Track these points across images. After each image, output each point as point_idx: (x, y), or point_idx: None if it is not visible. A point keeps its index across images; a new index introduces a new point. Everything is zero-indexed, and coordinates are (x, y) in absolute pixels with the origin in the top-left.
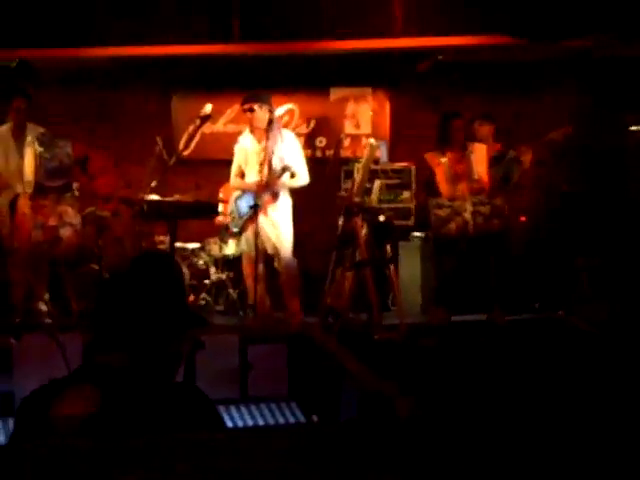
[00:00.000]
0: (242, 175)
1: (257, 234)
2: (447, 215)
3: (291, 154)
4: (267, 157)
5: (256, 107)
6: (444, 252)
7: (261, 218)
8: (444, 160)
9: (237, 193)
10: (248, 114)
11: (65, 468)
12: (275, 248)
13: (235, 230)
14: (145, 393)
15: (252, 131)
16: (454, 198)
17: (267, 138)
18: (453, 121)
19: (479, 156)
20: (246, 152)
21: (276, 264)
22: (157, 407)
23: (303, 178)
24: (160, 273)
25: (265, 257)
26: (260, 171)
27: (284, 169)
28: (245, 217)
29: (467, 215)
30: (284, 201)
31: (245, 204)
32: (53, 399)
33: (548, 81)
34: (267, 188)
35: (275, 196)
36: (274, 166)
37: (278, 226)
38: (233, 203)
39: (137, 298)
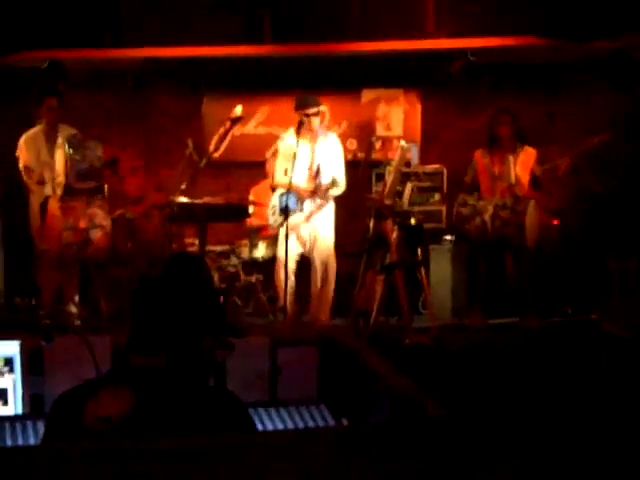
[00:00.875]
0: (285, 173)
1: (287, 236)
2: (469, 213)
3: (335, 158)
4: (316, 161)
5: (317, 111)
6: (474, 255)
7: (304, 221)
8: (487, 160)
9: (281, 190)
10: (305, 118)
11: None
12: (314, 252)
13: (273, 225)
14: (179, 396)
15: (299, 132)
16: (481, 198)
17: (315, 140)
18: (498, 118)
19: (524, 159)
20: (290, 150)
21: (311, 269)
22: (190, 410)
23: (342, 186)
24: (193, 275)
25: (298, 261)
26: (309, 175)
27: (334, 182)
28: (285, 216)
29: (486, 217)
30: (328, 207)
31: (290, 203)
32: (87, 400)
33: (580, 82)
34: (314, 195)
35: (322, 202)
36: (321, 170)
37: (321, 230)
38: (277, 199)
39: (172, 300)
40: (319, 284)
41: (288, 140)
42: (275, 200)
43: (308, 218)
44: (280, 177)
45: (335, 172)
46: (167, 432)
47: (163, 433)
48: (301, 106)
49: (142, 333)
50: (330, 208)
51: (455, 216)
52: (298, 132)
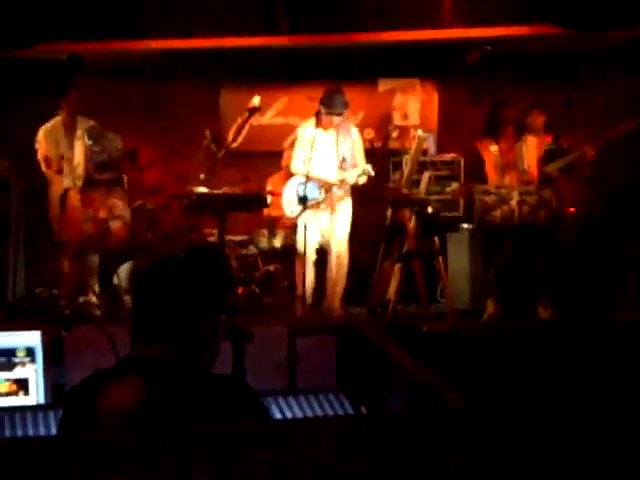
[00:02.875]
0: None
1: (306, 225)
2: (493, 202)
3: (356, 149)
4: (341, 151)
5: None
6: (492, 244)
7: (326, 211)
8: (494, 148)
9: (299, 179)
10: (327, 117)
11: (109, 459)
12: (332, 240)
13: (290, 215)
14: (190, 384)
15: (319, 124)
16: (500, 186)
17: (338, 131)
18: (502, 110)
19: (530, 148)
20: (311, 141)
21: (328, 258)
22: (202, 398)
23: (371, 173)
24: (206, 265)
25: (318, 249)
26: (336, 166)
27: (364, 172)
28: (304, 206)
29: (513, 203)
30: (348, 198)
31: (310, 192)
32: (98, 392)
33: (598, 70)
34: (342, 185)
35: (343, 192)
36: (346, 160)
37: (340, 221)
38: (293, 188)
39: (179, 290)
40: (334, 273)
41: (309, 130)
42: (291, 190)
43: (332, 206)
44: (298, 165)
45: (359, 163)
46: (178, 421)
47: (174, 422)
48: (328, 105)
49: (143, 321)
50: (348, 200)
51: (477, 206)
52: (318, 123)
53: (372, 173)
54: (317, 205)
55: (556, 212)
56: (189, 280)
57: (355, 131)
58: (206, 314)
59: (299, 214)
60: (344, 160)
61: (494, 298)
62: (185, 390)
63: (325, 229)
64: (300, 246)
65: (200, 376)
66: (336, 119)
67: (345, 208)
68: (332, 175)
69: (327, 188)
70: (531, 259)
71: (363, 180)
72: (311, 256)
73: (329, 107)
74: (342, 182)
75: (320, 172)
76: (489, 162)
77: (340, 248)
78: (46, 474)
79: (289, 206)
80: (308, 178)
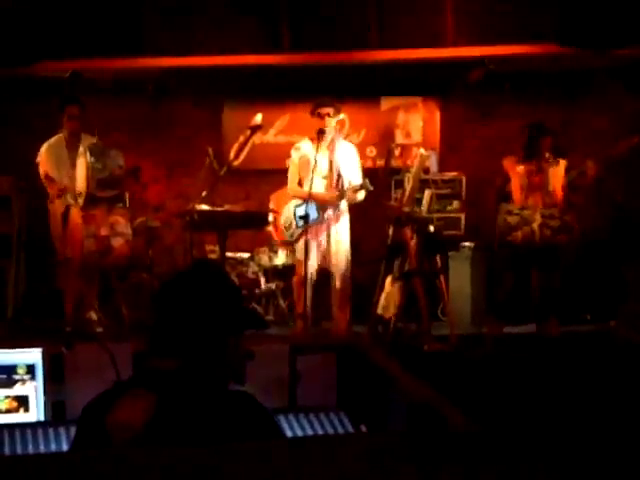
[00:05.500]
0: (300, 183)
1: (307, 245)
2: (516, 223)
3: (351, 165)
4: (335, 169)
5: (332, 113)
6: (510, 266)
7: (323, 230)
8: (520, 168)
9: (296, 201)
10: (319, 119)
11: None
12: (333, 261)
13: (290, 239)
14: (202, 399)
15: (313, 139)
16: (524, 207)
17: (333, 148)
18: (542, 139)
19: (558, 170)
20: (306, 159)
21: (331, 277)
22: (213, 414)
23: (365, 190)
24: (214, 280)
25: (318, 269)
26: (329, 184)
27: (362, 186)
28: (302, 227)
29: (535, 226)
30: (346, 215)
31: (311, 213)
32: (109, 407)
33: (599, 90)
34: (338, 202)
35: (340, 210)
36: (342, 177)
37: (339, 240)
38: (291, 211)
39: (191, 303)
40: (339, 293)
41: (303, 149)
42: (289, 213)
43: (328, 224)
44: (294, 187)
45: (354, 179)
46: (189, 437)
47: (185, 438)
48: (317, 104)
49: (162, 335)
50: (346, 218)
51: (501, 225)
52: (318, 140)
53: (370, 188)
54: (316, 225)
55: (576, 236)
56: (205, 294)
57: (350, 147)
58: (224, 329)
59: (297, 238)
60: (340, 177)
61: (494, 317)
62: (197, 405)
63: (324, 249)
64: (299, 266)
65: (214, 391)
66: (328, 121)
67: (341, 227)
68: (326, 193)
69: (323, 207)
70: (540, 279)
71: (362, 196)
72: (311, 277)
73: (317, 106)
74: (340, 197)
75: (316, 191)
76: (515, 181)
77: (342, 267)
78: None
79: (288, 231)
80: (306, 199)
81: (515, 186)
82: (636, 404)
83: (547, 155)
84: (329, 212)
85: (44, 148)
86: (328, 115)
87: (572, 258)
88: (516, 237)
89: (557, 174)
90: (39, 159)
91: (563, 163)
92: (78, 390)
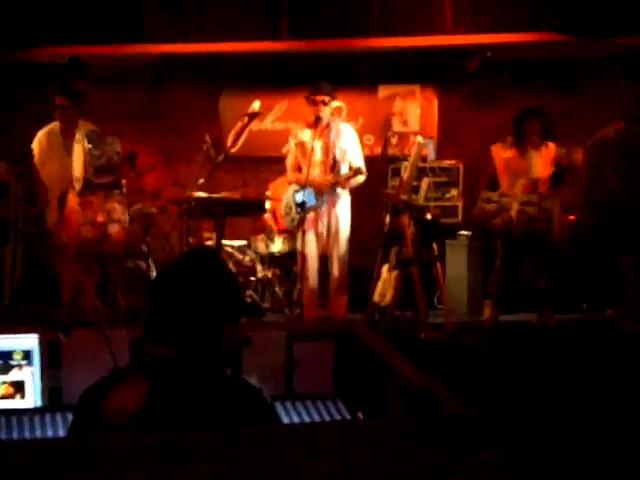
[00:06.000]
0: (299, 169)
1: (304, 231)
2: (494, 210)
3: (351, 149)
4: (331, 154)
5: (327, 100)
6: (491, 250)
7: (322, 215)
8: (506, 155)
9: (295, 187)
10: (314, 106)
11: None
12: (331, 247)
13: (291, 225)
14: (196, 385)
15: (311, 125)
16: (504, 194)
17: (329, 134)
18: (528, 122)
19: (546, 155)
20: (304, 146)
21: (329, 263)
22: (209, 400)
23: (363, 174)
24: (209, 267)
25: (319, 255)
26: (325, 169)
27: (357, 172)
28: (302, 213)
29: (513, 213)
30: (345, 198)
31: (309, 199)
32: (106, 393)
33: (599, 78)
34: (335, 187)
35: (338, 195)
36: (338, 163)
37: (337, 226)
38: (290, 197)
39: (187, 291)
40: (337, 279)
41: (299, 136)
42: (289, 199)
43: (327, 209)
44: (292, 174)
45: (354, 161)
46: (185, 423)
47: (181, 424)
48: (312, 91)
49: (157, 322)
50: (346, 202)
51: (479, 213)
52: (314, 126)
53: (363, 171)
54: (314, 210)
55: (558, 222)
56: (201, 282)
57: (349, 128)
58: (221, 316)
59: (297, 223)
60: (334, 162)
61: (492, 303)
62: (193, 391)
63: (324, 235)
64: (300, 251)
65: (210, 377)
66: (324, 109)
67: (341, 212)
68: (325, 178)
69: (322, 191)
70: (532, 268)
71: (362, 179)
72: (313, 264)
73: (313, 92)
74: (336, 183)
75: (313, 176)
76: (500, 168)
77: (342, 253)
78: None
79: (288, 217)
80: (304, 185)
81: (501, 173)
82: (633, 393)
83: (535, 139)
84: (327, 197)
85: (39, 135)
86: (323, 103)
87: (570, 246)
88: (495, 224)
89: (544, 159)
90: (34, 144)
91: (553, 147)
92: (75, 376)
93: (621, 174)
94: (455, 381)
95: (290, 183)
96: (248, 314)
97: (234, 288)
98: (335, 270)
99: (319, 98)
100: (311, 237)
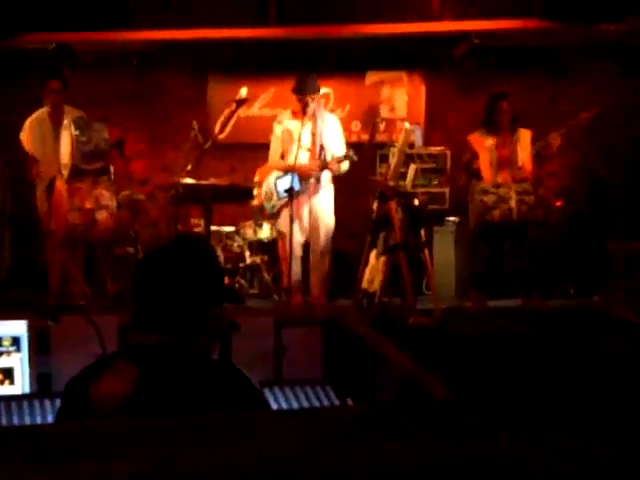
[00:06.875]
0: (283, 156)
1: (292, 217)
2: (493, 202)
3: (334, 137)
4: (318, 141)
5: (310, 100)
6: (483, 238)
7: (305, 202)
8: (489, 143)
9: (277, 173)
10: (301, 102)
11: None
12: (313, 233)
13: (270, 211)
14: (184, 371)
15: (296, 113)
16: (498, 185)
17: (315, 122)
18: (499, 102)
19: (524, 142)
20: (289, 133)
21: (310, 249)
22: (197, 386)
23: (346, 163)
24: (195, 253)
25: (303, 240)
26: (312, 156)
27: (346, 157)
28: (290, 198)
29: (512, 203)
30: (328, 187)
31: (287, 186)
32: (92, 380)
33: (584, 65)
34: (320, 172)
35: (319, 181)
36: (324, 150)
37: (321, 212)
38: (272, 183)
39: (172, 278)
40: (317, 269)
41: (285, 122)
42: (270, 185)
43: (310, 195)
44: (276, 160)
45: (337, 152)
46: (173, 409)
47: (169, 410)
48: (299, 90)
49: (143, 310)
50: (329, 192)
51: (477, 206)
52: (302, 115)
53: (355, 158)
54: (297, 196)
55: (551, 209)
56: (186, 268)
57: (333, 118)
58: (206, 302)
59: (278, 210)
60: (322, 149)
61: (479, 290)
62: (181, 375)
63: (307, 222)
64: (281, 238)
65: (198, 362)
66: (311, 105)
67: (324, 200)
68: (314, 162)
69: (307, 178)
70: (519, 253)
71: (346, 167)
72: (297, 251)
73: (300, 91)
74: (323, 168)
75: (300, 162)
76: (483, 158)
77: (324, 241)
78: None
79: (268, 203)
80: (287, 171)
81: (484, 162)
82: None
83: (507, 122)
84: (311, 182)
85: (27, 123)
86: (307, 103)
87: (557, 232)
88: (494, 216)
89: (523, 146)
90: (22, 135)
91: (528, 134)
92: (64, 362)
93: (607, 160)
94: (443, 367)
95: (273, 169)
96: (229, 300)
97: (219, 274)
98: (315, 260)
99: (304, 100)
100: (295, 224)
